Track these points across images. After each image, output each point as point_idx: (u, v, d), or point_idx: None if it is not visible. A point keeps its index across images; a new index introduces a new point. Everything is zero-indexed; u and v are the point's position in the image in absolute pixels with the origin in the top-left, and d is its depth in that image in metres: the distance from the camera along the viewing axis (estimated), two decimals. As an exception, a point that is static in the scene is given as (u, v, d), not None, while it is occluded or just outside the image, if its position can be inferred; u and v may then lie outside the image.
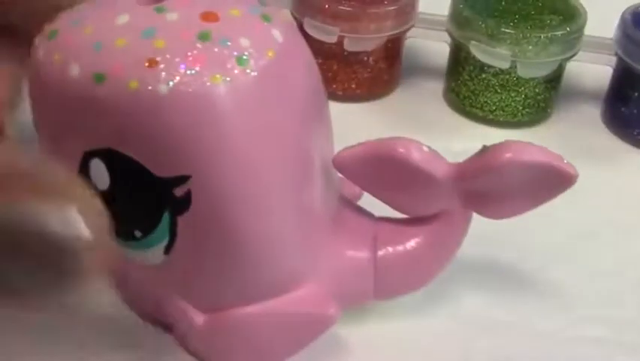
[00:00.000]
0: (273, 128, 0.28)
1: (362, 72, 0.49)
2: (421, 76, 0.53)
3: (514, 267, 0.38)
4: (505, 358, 0.34)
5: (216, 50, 0.28)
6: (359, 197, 0.35)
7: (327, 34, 0.47)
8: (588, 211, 0.42)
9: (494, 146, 0.29)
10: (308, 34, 0.47)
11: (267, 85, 0.28)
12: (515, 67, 0.46)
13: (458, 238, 0.33)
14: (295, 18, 0.48)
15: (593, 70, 0.51)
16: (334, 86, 0.49)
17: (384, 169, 0.30)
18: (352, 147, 0.30)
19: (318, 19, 0.47)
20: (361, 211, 0.33)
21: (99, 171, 0.29)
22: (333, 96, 0.49)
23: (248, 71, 0.28)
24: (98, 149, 0.29)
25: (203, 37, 0.28)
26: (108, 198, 0.29)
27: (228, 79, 0.27)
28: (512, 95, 0.47)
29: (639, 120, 0.47)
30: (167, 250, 0.29)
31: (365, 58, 0.48)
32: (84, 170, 0.30)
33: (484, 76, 0.47)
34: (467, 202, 0.31)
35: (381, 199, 0.31)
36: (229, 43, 0.28)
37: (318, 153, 0.31)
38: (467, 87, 0.48)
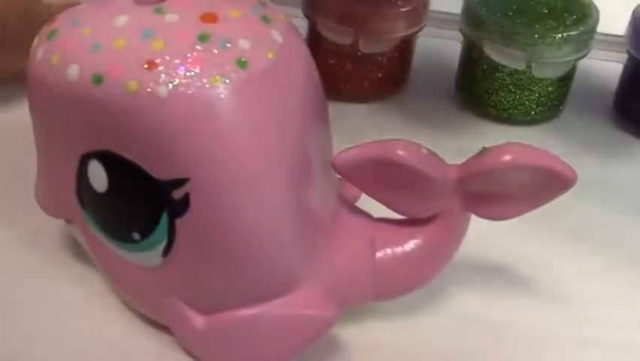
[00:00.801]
0: (272, 130, 0.28)
1: (375, 72, 0.49)
2: (432, 75, 0.52)
3: (514, 267, 0.38)
4: (504, 358, 0.34)
5: (216, 51, 0.28)
6: (357, 198, 0.35)
7: (343, 37, 0.47)
8: (595, 209, 0.42)
9: (493, 148, 0.29)
10: (321, 35, 0.47)
11: (266, 87, 0.28)
12: (530, 66, 0.46)
13: (457, 239, 0.33)
14: (308, 18, 0.48)
15: (603, 67, 0.51)
16: (347, 85, 0.49)
17: (383, 171, 0.30)
18: (351, 148, 0.30)
19: (330, 20, 0.47)
20: (360, 212, 0.33)
21: (97, 173, 0.29)
22: (345, 96, 0.49)
23: (247, 72, 0.28)
24: (96, 151, 0.29)
25: (203, 38, 0.28)
26: (106, 200, 0.29)
27: (227, 81, 0.27)
28: (526, 93, 0.47)
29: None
30: (166, 252, 0.29)
31: (379, 58, 0.48)
32: (82, 172, 0.30)
33: (498, 75, 0.47)
34: (466, 204, 0.31)
35: (379, 201, 0.31)
36: (229, 45, 0.28)
37: (317, 155, 0.31)
38: (480, 86, 0.48)
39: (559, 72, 0.47)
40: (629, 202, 0.43)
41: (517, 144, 0.29)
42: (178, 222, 0.28)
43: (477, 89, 0.48)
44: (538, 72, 0.46)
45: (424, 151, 0.30)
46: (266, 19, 0.30)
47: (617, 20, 0.48)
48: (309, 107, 0.30)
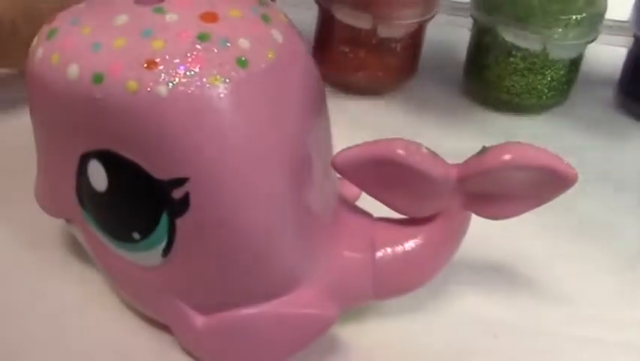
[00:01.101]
0: (271, 130, 0.28)
1: (390, 59, 0.49)
2: (440, 62, 0.53)
3: (514, 267, 0.38)
4: (505, 358, 0.34)
5: (216, 50, 0.28)
6: (357, 197, 0.35)
7: (361, 21, 0.47)
8: (596, 206, 0.42)
9: (494, 147, 0.29)
10: (335, 22, 0.47)
11: (266, 86, 0.28)
12: (544, 49, 0.46)
13: (457, 238, 0.33)
14: (320, 6, 0.48)
15: (609, 52, 0.51)
16: (360, 74, 0.49)
17: (383, 170, 0.30)
18: (351, 148, 0.30)
19: (348, 6, 0.47)
20: (360, 212, 0.33)
21: (97, 172, 0.29)
22: (358, 85, 0.49)
23: (247, 72, 0.28)
24: (96, 150, 0.29)
25: (203, 38, 0.28)
26: (106, 199, 0.29)
27: (227, 80, 0.27)
28: (539, 78, 0.48)
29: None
30: (166, 252, 0.29)
31: (393, 45, 0.48)
32: (82, 171, 0.30)
33: (511, 60, 0.47)
34: (466, 203, 0.31)
35: (379, 200, 0.31)
36: (229, 44, 0.28)
37: (317, 154, 0.31)
38: (492, 72, 0.48)
39: (574, 53, 0.47)
40: (631, 198, 0.43)
41: (517, 143, 0.29)
42: (178, 221, 0.28)
43: (488, 75, 0.49)
44: (554, 54, 0.46)
45: (424, 150, 0.29)
46: (266, 19, 0.30)
47: (620, 6, 0.49)
48: (309, 106, 0.30)
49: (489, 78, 0.49)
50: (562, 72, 0.48)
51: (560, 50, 0.47)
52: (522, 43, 0.46)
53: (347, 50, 0.48)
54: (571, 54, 0.47)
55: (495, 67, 0.48)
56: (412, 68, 0.51)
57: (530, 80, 0.48)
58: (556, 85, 0.48)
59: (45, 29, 0.30)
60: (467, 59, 0.51)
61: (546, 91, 0.48)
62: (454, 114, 0.49)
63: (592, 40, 0.48)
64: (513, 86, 0.48)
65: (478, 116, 0.49)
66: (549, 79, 0.48)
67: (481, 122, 0.48)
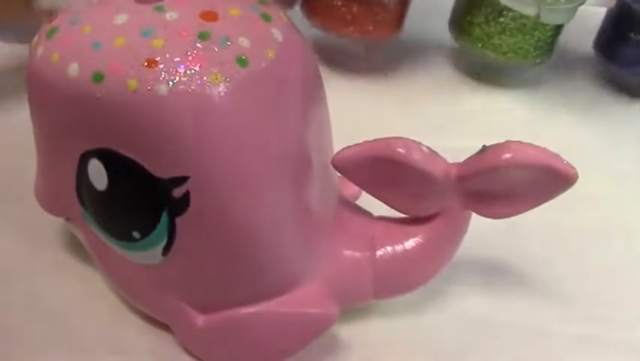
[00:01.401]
0: (271, 129, 0.28)
1: (381, 14, 0.49)
2: (426, 17, 0.53)
3: (514, 266, 0.38)
4: (505, 358, 0.34)
5: (216, 49, 0.28)
6: (358, 196, 0.35)
7: None
8: (595, 201, 0.42)
9: (494, 146, 0.29)
10: None
11: (266, 85, 0.28)
12: (537, 13, 0.46)
13: (457, 238, 0.33)
14: None
15: (589, 11, 0.52)
16: (351, 28, 0.49)
17: (383, 169, 0.30)
18: (351, 147, 0.30)
19: None
20: (360, 211, 0.33)
21: (97, 171, 0.29)
22: (348, 39, 0.49)
23: (247, 71, 0.28)
24: (96, 149, 0.29)
25: (203, 36, 0.28)
26: (106, 198, 0.29)
27: (228, 79, 0.27)
28: (527, 37, 0.48)
29: (636, 62, 0.49)
30: (166, 251, 0.29)
31: (386, 0, 0.48)
32: (82, 170, 0.30)
33: (501, 19, 0.48)
34: (466, 202, 0.31)
35: (380, 199, 0.31)
36: (229, 43, 0.28)
37: (317, 153, 0.31)
38: (482, 29, 0.49)
39: (566, 18, 0.48)
40: (630, 193, 0.43)
41: (518, 142, 0.29)
42: (178, 220, 0.28)
43: (477, 33, 0.49)
44: (546, 18, 0.47)
45: (425, 149, 0.30)
46: (266, 18, 0.30)
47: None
48: (309, 105, 0.30)
49: (478, 35, 0.49)
50: (549, 33, 0.49)
51: (553, 15, 0.47)
52: (516, 7, 0.47)
53: (340, 3, 0.48)
54: (564, 18, 0.48)
55: (485, 25, 0.48)
56: (400, 23, 0.51)
57: (518, 40, 0.48)
58: (543, 45, 0.49)
59: (45, 28, 0.30)
60: (455, 15, 0.51)
61: (532, 50, 0.49)
62: (438, 78, 0.50)
63: (582, 3, 0.48)
64: (500, 44, 0.48)
65: (461, 80, 0.50)
66: (536, 39, 0.48)
67: (460, 86, 0.49)
